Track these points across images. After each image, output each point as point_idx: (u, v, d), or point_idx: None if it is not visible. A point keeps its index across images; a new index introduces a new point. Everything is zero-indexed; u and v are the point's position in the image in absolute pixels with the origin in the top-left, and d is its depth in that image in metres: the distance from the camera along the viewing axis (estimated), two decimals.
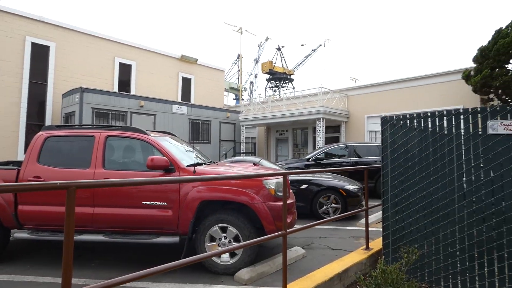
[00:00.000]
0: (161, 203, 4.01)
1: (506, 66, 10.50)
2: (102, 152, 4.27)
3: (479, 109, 3.43)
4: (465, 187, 3.37)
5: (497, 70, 10.40)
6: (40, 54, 14.81)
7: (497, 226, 3.09)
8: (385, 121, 4.13)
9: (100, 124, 4.92)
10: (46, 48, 15.03)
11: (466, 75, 11.51)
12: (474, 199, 3.28)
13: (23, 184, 1.60)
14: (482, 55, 10.84)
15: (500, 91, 10.65)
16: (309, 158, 10.09)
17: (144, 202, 4.01)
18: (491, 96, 11.26)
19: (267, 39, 55.96)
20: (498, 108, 3.32)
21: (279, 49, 54.51)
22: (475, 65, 11.23)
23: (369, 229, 4.53)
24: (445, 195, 3.49)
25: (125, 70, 17.89)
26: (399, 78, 14.67)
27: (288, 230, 3.06)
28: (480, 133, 3.40)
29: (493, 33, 10.80)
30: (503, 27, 10.55)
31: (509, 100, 10.74)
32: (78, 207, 3.38)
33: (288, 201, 3.90)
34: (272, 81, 55.65)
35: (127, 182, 2.05)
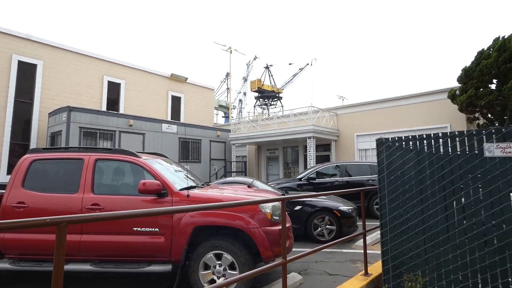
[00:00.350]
0: (153, 229, 3.85)
1: (490, 86, 10.82)
2: (91, 176, 4.11)
3: (474, 132, 3.45)
4: (464, 210, 3.33)
5: (481, 90, 10.71)
6: (26, 72, 14.57)
7: (500, 251, 3.04)
8: (380, 143, 4.10)
9: (89, 147, 4.76)
10: (33, 66, 14.82)
11: (452, 95, 11.81)
12: (474, 222, 3.24)
13: (6, 222, 1.47)
14: (466, 75, 11.17)
15: (485, 110, 10.93)
16: (301, 178, 10.02)
17: (135, 229, 3.84)
18: (477, 115, 11.55)
19: (255, 58, 56.82)
20: (493, 130, 3.34)
21: (267, 67, 55.35)
22: (460, 85, 11.55)
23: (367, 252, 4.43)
24: (445, 219, 3.44)
25: (114, 88, 17.74)
26: (386, 97, 14.95)
27: (287, 259, 2.95)
28: (476, 153, 3.40)
29: (475, 54, 11.19)
30: (485, 49, 10.94)
31: (494, 119, 11.02)
32: None
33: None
34: (261, 99, 56.15)
35: (120, 215, 1.93)
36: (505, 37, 10.40)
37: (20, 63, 14.39)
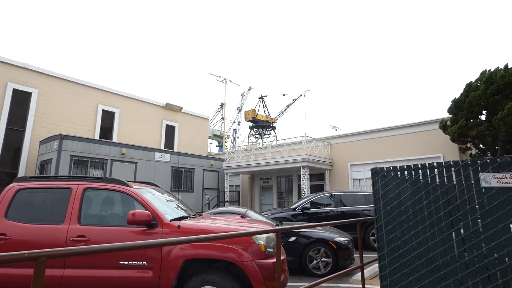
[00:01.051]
0: (141, 262, 3.66)
1: (480, 117, 11.05)
2: (79, 206, 3.96)
3: (469, 162, 3.43)
4: (464, 242, 3.24)
5: (471, 120, 10.91)
6: (21, 100, 14.55)
7: (505, 286, 2.92)
8: (375, 172, 4.06)
9: (78, 176, 4.63)
10: (28, 94, 14.83)
11: (443, 125, 12.00)
12: (476, 255, 3.14)
13: None
14: (456, 107, 11.42)
15: (476, 140, 11.08)
16: (296, 208, 9.85)
17: (122, 262, 3.65)
18: (469, 145, 11.68)
19: (250, 89, 58.01)
20: (488, 160, 3.33)
21: (261, 98, 56.39)
22: (450, 115, 11.77)
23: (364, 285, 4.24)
24: (445, 252, 3.33)
25: (108, 117, 17.75)
26: (379, 127, 15.14)
27: None
28: (473, 183, 3.36)
29: (463, 86, 11.52)
30: (473, 81, 11.29)
31: (486, 149, 11.15)
32: (45, 269, 3.01)
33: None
34: (255, 129, 56.66)
35: (104, 249, 1.81)
36: (491, 70, 10.78)
37: (15, 91, 14.41)
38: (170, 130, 20.76)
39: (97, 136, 16.72)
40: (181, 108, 21.42)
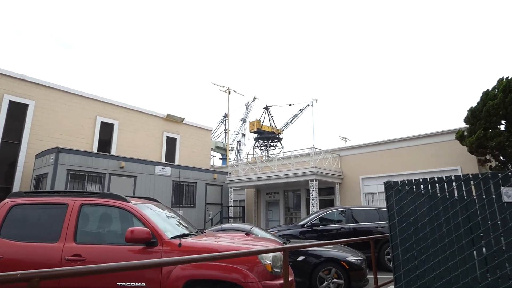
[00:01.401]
0: (139, 284, 3.62)
1: (499, 126, 10.95)
2: (75, 223, 3.95)
3: (490, 175, 3.38)
4: (487, 262, 3.16)
5: (490, 130, 10.81)
6: (17, 112, 14.78)
7: None
8: (389, 186, 4.01)
9: (74, 191, 4.65)
10: (24, 106, 15.07)
11: (460, 136, 11.90)
12: (499, 276, 3.06)
13: None
14: (473, 116, 11.34)
15: (496, 152, 10.94)
16: (304, 224, 9.74)
17: (119, 283, 3.61)
18: (488, 157, 11.54)
19: (254, 98, 58.26)
20: (510, 173, 3.27)
21: (267, 108, 56.62)
22: (467, 125, 11.69)
23: None
24: (466, 273, 3.25)
25: (107, 129, 17.91)
26: (392, 138, 15.07)
27: None
28: (494, 198, 3.30)
29: (479, 94, 11.47)
30: (490, 89, 11.24)
31: (507, 161, 11.00)
32: None
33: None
34: (260, 140, 56.76)
35: (99, 270, 1.79)
36: (509, 77, 10.73)
37: (11, 103, 14.66)
38: (171, 142, 20.86)
39: (95, 149, 16.84)
40: (183, 119, 21.57)
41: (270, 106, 56.85)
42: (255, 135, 55.77)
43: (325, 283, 6.27)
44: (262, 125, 54.02)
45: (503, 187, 3.25)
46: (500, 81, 10.98)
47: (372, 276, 4.14)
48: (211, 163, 30.88)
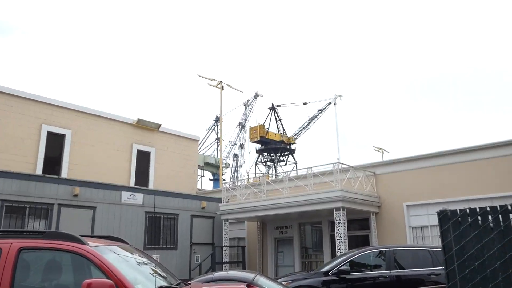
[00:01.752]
0: None
1: None
2: (11, 275, 3.95)
3: None
4: None
5: None
6: None
7: None
8: (445, 217, 4.01)
9: (10, 230, 4.67)
10: None
11: None
12: None
13: None
14: None
15: None
16: (329, 271, 9.70)
17: None
18: None
19: (256, 96, 58.42)
20: None
21: (273, 108, 56.81)
22: None
23: None
24: None
25: (56, 142, 18.00)
26: (446, 150, 14.99)
27: None
28: None
29: None
30: None
31: None
32: None
33: None
34: (265, 153, 56.84)
35: None
36: None
37: None
38: (143, 158, 20.92)
39: (39, 171, 16.90)
40: (159, 125, 21.68)
41: (278, 106, 57.03)
42: (258, 146, 55.91)
43: None
44: (267, 131, 54.03)
45: None
46: None
47: None
48: (199, 187, 30.97)
